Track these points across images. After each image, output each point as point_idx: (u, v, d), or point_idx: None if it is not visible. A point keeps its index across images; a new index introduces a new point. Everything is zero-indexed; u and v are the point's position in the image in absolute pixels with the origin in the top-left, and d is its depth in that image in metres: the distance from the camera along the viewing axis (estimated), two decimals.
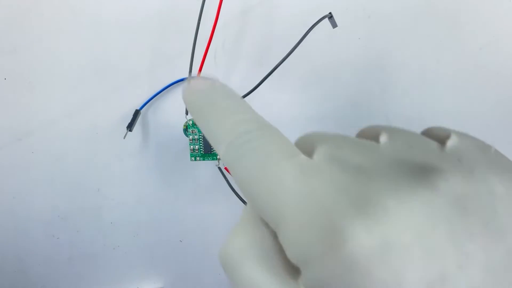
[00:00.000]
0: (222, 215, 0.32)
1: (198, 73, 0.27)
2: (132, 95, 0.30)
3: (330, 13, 0.24)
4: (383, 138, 0.14)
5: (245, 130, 0.14)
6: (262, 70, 0.30)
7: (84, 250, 0.32)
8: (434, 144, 0.14)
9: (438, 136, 0.15)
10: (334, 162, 0.13)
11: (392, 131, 0.14)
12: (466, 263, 0.11)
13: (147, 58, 0.30)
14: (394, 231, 0.11)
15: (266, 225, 0.13)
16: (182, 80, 0.30)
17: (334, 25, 0.24)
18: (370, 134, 0.15)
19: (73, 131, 0.30)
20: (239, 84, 0.30)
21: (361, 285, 0.10)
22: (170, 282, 0.33)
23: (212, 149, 0.27)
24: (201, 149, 0.27)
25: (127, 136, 0.29)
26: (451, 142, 0.14)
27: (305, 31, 0.23)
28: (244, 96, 0.25)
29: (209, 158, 0.28)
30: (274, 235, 0.13)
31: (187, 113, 0.27)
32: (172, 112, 0.30)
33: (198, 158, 0.28)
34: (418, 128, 0.33)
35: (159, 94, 0.30)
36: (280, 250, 0.14)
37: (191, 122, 0.27)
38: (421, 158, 0.13)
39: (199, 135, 0.27)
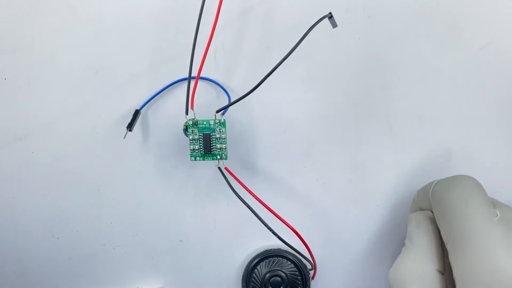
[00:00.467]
0: (222, 215, 0.32)
1: (198, 73, 0.27)
2: (132, 95, 0.30)
3: (330, 13, 0.24)
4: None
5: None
6: (262, 70, 0.30)
7: (84, 250, 0.32)
8: None
9: None
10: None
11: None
12: None
13: (147, 58, 0.30)
14: None
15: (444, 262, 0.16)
16: (182, 80, 0.30)
17: (334, 25, 0.24)
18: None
19: (73, 131, 0.30)
20: (239, 84, 0.30)
21: None
22: (170, 282, 0.33)
23: (212, 149, 0.27)
24: (201, 149, 0.27)
25: (127, 136, 0.29)
26: None
27: (305, 31, 0.23)
28: (244, 96, 0.25)
29: (209, 158, 0.28)
30: (448, 274, 0.15)
31: (187, 113, 0.27)
32: (172, 112, 0.30)
33: (198, 158, 0.28)
34: (418, 129, 0.33)
35: (159, 94, 0.30)
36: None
37: (191, 122, 0.27)
38: None
39: (199, 135, 0.27)
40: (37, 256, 0.32)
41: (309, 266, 0.31)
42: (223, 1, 0.26)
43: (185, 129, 0.27)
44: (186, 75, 0.29)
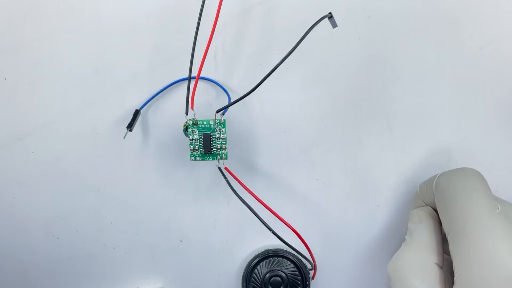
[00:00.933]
0: (222, 215, 0.32)
1: (198, 73, 0.27)
2: (132, 95, 0.30)
3: (330, 13, 0.24)
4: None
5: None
6: (262, 70, 0.30)
7: (84, 250, 0.32)
8: None
9: None
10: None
11: None
12: None
13: (147, 58, 0.30)
14: None
15: (446, 259, 0.16)
16: (182, 80, 0.30)
17: (334, 25, 0.24)
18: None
19: (73, 131, 0.30)
20: (239, 84, 0.30)
21: None
22: (170, 282, 0.33)
23: (212, 149, 0.27)
24: (201, 149, 0.27)
25: (127, 136, 0.29)
26: None
27: (305, 31, 0.23)
28: (244, 96, 0.25)
29: (209, 158, 0.28)
30: (446, 269, 0.15)
31: (187, 113, 0.27)
32: (172, 112, 0.30)
33: (198, 158, 0.28)
34: (418, 129, 0.33)
35: (159, 94, 0.30)
36: (444, 282, 0.17)
37: (191, 122, 0.27)
38: None
39: (199, 135, 0.27)
40: (37, 256, 0.32)
41: (309, 266, 0.31)
42: (223, 1, 0.26)
43: (185, 129, 0.27)
44: (186, 75, 0.29)
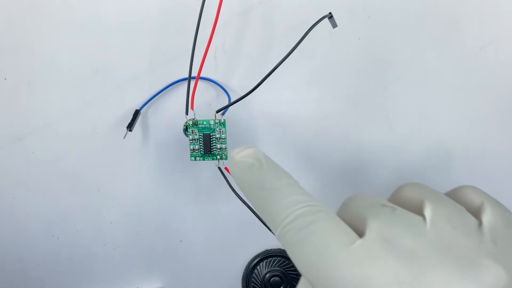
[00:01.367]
0: (222, 215, 0.32)
1: (198, 73, 0.27)
2: (132, 95, 0.30)
3: (330, 13, 0.24)
4: (429, 215, 0.15)
5: (300, 213, 0.15)
6: (262, 70, 0.30)
7: (84, 250, 0.32)
8: (472, 221, 0.15)
9: (471, 204, 0.16)
10: (386, 245, 0.14)
11: (436, 203, 0.16)
12: None
13: (147, 58, 0.30)
14: None
15: None
16: (182, 80, 0.30)
17: (334, 25, 0.24)
18: (414, 201, 0.16)
19: (73, 131, 0.30)
20: (239, 84, 0.30)
21: None
22: (170, 282, 0.33)
23: (212, 149, 0.27)
24: (201, 149, 0.27)
25: (127, 136, 0.29)
26: (486, 220, 0.15)
27: (305, 31, 0.23)
28: (244, 96, 0.25)
29: (209, 158, 0.28)
30: None
31: (187, 113, 0.27)
32: (172, 112, 0.30)
33: (198, 158, 0.28)
34: (418, 128, 0.33)
35: (159, 94, 0.30)
36: None
37: (191, 122, 0.27)
38: (465, 245, 0.14)
39: (199, 135, 0.27)
40: (37, 256, 0.32)
41: None
42: (223, 1, 0.26)
43: (185, 129, 0.27)
44: (186, 75, 0.29)
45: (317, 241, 0.14)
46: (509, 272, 0.13)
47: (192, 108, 0.27)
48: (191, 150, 0.27)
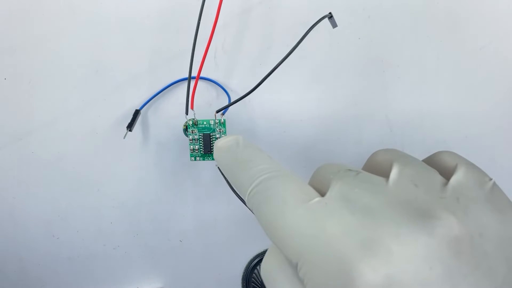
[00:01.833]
0: (222, 215, 0.32)
1: (198, 73, 0.27)
2: (132, 95, 0.30)
3: (330, 13, 0.24)
4: (393, 175, 0.15)
5: (264, 178, 0.16)
6: (262, 70, 0.30)
7: (84, 250, 0.32)
8: (438, 180, 0.15)
9: (446, 167, 0.17)
10: (345, 202, 0.14)
11: (404, 164, 0.16)
12: None
13: (147, 58, 0.30)
14: (396, 271, 0.12)
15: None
16: (182, 80, 0.30)
17: (334, 25, 0.24)
18: (384, 164, 0.17)
19: (73, 131, 0.30)
20: (239, 84, 0.30)
21: None
22: (170, 282, 0.33)
23: (212, 149, 0.27)
24: (201, 149, 0.27)
25: (127, 136, 0.29)
26: (454, 178, 0.16)
27: (305, 31, 0.23)
28: (244, 96, 0.25)
29: (209, 158, 0.28)
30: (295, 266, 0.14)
31: (187, 113, 0.27)
32: (172, 112, 0.30)
33: (198, 158, 0.28)
34: (418, 129, 0.33)
35: (159, 94, 0.30)
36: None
37: (191, 122, 0.27)
38: (423, 199, 0.14)
39: (199, 135, 0.27)
40: (37, 256, 0.32)
41: None
42: (223, 1, 0.26)
43: (185, 129, 0.27)
44: (186, 75, 0.29)
45: (277, 201, 0.15)
46: (464, 223, 0.13)
47: (192, 108, 0.27)
48: (191, 150, 0.27)
